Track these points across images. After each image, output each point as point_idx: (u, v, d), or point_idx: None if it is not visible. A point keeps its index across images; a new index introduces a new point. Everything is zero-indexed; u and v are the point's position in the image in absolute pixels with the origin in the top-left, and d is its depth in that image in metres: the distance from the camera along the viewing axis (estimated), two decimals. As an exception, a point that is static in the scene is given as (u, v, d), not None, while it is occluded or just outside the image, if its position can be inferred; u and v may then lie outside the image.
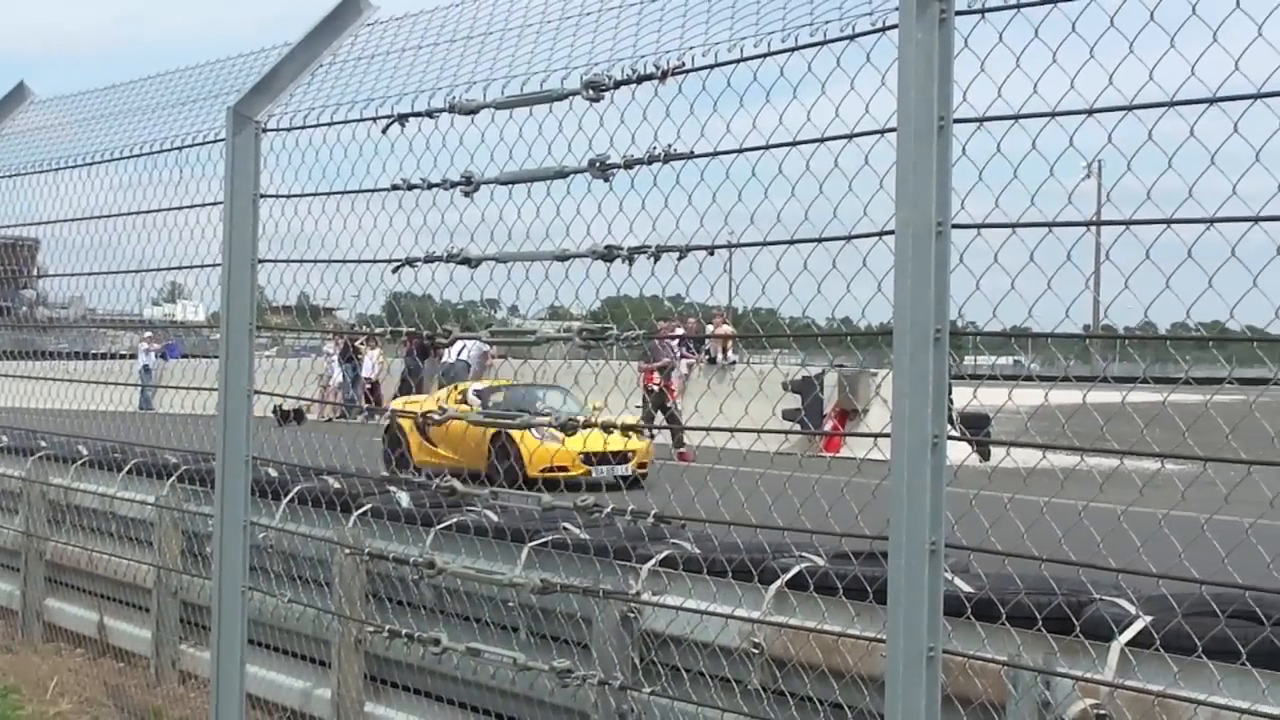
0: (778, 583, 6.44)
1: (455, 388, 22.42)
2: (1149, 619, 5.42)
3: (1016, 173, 4.66)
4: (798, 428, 19.75)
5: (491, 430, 16.81)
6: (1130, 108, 4.36)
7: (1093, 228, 4.77)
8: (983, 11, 4.61)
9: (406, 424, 21.61)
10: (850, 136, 4.99)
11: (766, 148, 5.31)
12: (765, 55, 5.25)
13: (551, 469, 16.99)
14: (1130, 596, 5.68)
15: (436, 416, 6.90)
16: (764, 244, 5.35)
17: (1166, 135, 4.31)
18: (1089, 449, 4.91)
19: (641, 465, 19.43)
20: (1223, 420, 4.64)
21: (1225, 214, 4.18)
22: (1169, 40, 4.25)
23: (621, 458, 19.49)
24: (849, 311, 5.32)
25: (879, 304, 4.77)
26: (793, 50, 5.17)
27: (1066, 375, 5.25)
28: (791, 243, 5.21)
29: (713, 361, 28.51)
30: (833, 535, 5.84)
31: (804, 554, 6.61)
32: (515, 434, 17.42)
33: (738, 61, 5.35)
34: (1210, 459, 4.50)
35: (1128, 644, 5.36)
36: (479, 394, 22.42)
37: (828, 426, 24.00)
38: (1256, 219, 4.12)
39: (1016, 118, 4.60)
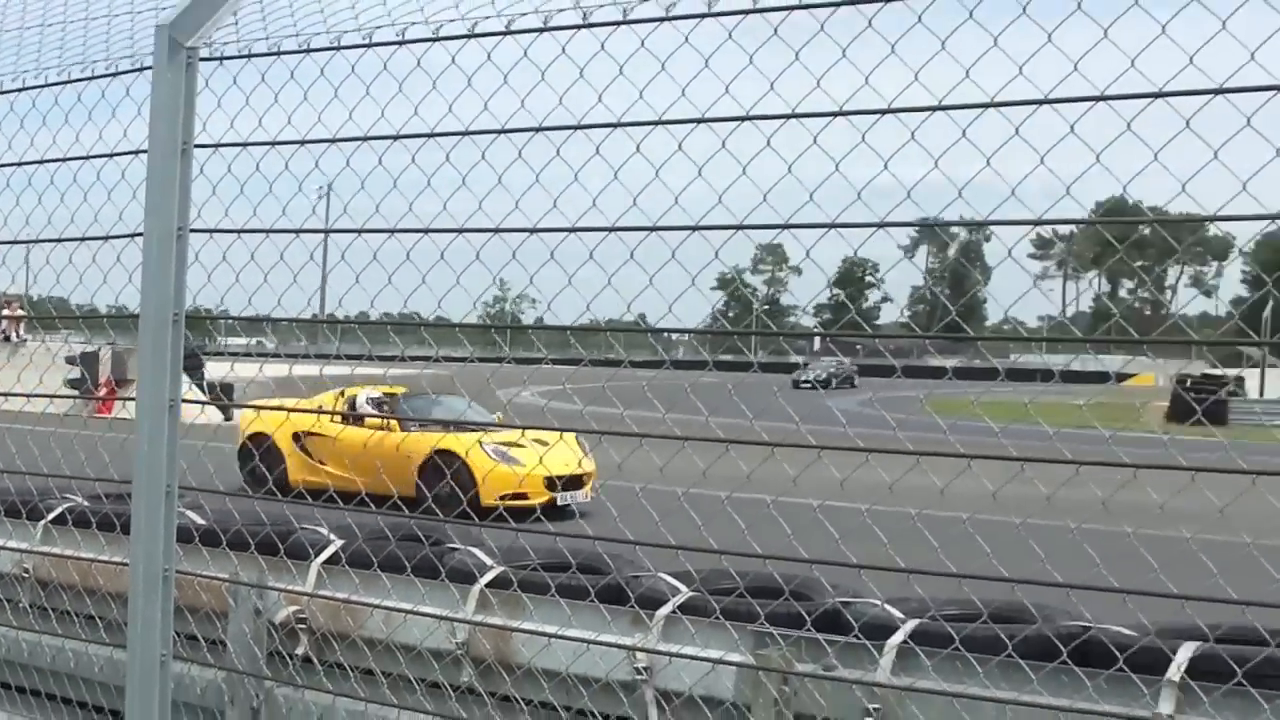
0: (45, 520, 6.93)
1: (341, 393, 17.25)
2: (340, 543, 6.30)
3: (244, 189, 5.34)
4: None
5: (423, 447, 14.20)
6: (334, 140, 5.03)
7: (311, 235, 5.33)
8: (221, 59, 5.24)
9: (277, 435, 17.71)
10: (110, 155, 5.60)
11: (41, 162, 5.89)
12: (43, 86, 5.82)
13: (512, 495, 14.31)
14: (327, 526, 6.53)
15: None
16: (36, 241, 5.97)
17: (372, 166, 5.05)
18: (295, 409, 5.81)
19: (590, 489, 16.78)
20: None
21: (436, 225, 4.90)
22: (397, 85, 4.90)
23: (578, 482, 17.07)
24: (120, 299, 5.85)
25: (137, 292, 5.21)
26: (65, 84, 5.74)
27: (278, 352, 6.02)
28: (59, 241, 5.81)
29: (7, 340, 29.25)
30: (89, 480, 6.48)
31: (67, 496, 7.17)
32: (464, 453, 14.92)
33: (21, 90, 5.91)
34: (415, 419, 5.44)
35: (324, 563, 6.17)
36: (374, 401, 18.35)
37: (103, 393, 24.21)
38: (461, 230, 4.83)
39: (245, 145, 5.26)
